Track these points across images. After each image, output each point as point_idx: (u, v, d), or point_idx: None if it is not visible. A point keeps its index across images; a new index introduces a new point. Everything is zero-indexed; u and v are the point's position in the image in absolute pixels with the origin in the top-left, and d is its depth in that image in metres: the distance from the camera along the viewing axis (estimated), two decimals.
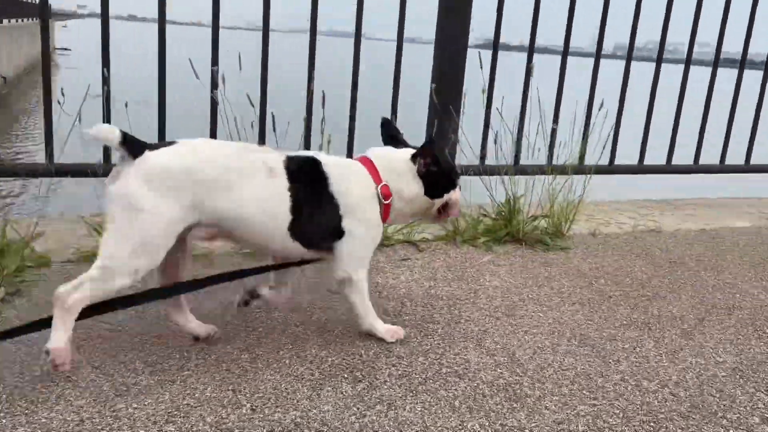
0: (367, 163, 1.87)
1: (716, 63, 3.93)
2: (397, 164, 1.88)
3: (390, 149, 1.94)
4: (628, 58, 3.65)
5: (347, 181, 1.80)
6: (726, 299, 2.50)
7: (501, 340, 2.02)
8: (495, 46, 3.29)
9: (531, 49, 3.35)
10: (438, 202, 1.95)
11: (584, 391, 1.76)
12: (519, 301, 2.34)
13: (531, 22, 3.35)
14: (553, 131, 3.45)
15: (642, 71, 3.96)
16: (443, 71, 3.11)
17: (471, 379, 1.78)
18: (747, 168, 4.22)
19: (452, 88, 3.10)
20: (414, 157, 1.89)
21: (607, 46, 3.77)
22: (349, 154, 2.91)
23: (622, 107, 3.66)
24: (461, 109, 3.13)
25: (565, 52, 3.46)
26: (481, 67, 3.02)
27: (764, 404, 1.76)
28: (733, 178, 4.36)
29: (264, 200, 1.69)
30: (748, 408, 1.74)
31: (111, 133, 1.57)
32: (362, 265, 1.85)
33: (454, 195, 1.97)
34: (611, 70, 3.74)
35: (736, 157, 4.19)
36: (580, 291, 2.48)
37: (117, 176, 1.60)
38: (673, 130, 3.90)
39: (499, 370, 1.84)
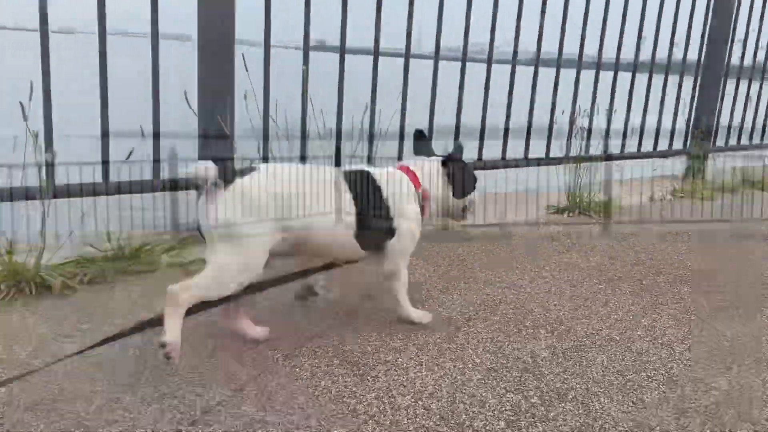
0: (407, 170, 2.17)
1: (514, 62, 4.10)
2: (432, 171, 2.20)
3: (423, 158, 2.25)
4: (406, 55, 3.67)
5: (395, 186, 2.09)
6: (495, 294, 2.54)
7: (253, 372, 1.84)
8: (266, 45, 3.10)
9: (306, 48, 3.21)
10: (461, 203, 2.26)
11: (333, 419, 1.63)
12: None
13: (303, 24, 3.20)
14: (338, 132, 3.36)
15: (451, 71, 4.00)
16: (207, 72, 2.85)
17: (205, 424, 1.57)
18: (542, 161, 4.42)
19: (218, 91, 2.85)
20: (444, 164, 2.20)
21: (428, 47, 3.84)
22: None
23: (405, 105, 3.66)
24: (232, 115, 2.89)
25: (342, 52, 3.37)
26: (246, 69, 2.81)
27: (512, 405, 1.76)
28: (519, 172, 4.58)
29: (335, 211, 1.93)
30: (495, 412, 1.72)
31: (210, 171, 1.76)
32: (406, 258, 2.15)
33: (474, 196, 2.30)
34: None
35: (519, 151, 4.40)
36: (352, 302, 2.38)
37: (210, 201, 1.77)
38: (481, 127, 4.00)
39: (243, 408, 1.65)
